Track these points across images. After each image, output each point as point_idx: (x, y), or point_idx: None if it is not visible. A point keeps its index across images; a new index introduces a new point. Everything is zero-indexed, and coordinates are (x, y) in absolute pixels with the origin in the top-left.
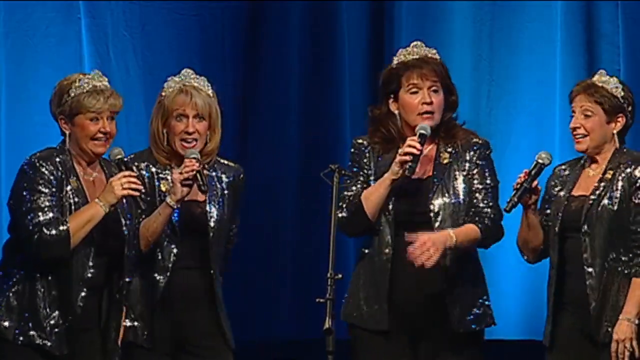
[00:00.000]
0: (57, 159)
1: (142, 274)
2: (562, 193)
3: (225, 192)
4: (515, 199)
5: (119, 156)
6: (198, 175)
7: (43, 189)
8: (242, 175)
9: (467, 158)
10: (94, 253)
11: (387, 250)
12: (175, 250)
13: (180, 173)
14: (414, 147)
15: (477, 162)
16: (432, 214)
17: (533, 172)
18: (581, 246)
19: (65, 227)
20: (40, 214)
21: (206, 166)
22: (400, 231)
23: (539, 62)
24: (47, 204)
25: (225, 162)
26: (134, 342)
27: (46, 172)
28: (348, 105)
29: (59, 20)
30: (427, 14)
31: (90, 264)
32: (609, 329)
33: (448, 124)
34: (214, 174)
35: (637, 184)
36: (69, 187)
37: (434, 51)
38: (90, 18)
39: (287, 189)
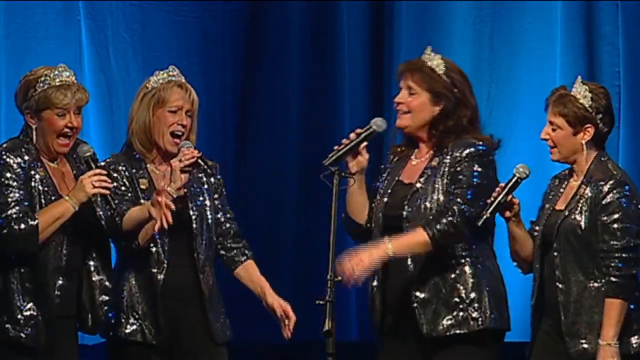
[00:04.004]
0: (23, 149)
1: (140, 271)
2: (547, 205)
3: (205, 186)
4: (488, 214)
5: (88, 153)
6: (200, 160)
7: (12, 182)
8: (217, 168)
9: (451, 157)
10: (67, 240)
11: None
12: (167, 245)
13: (180, 161)
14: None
15: (457, 164)
16: (403, 219)
17: (509, 186)
18: (551, 263)
19: (35, 222)
20: (8, 208)
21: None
22: (386, 235)
23: (539, 63)
24: (16, 197)
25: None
26: (142, 342)
27: (14, 164)
28: (348, 105)
29: (59, 22)
30: (427, 15)
31: (64, 252)
32: (584, 346)
33: (440, 131)
34: (194, 174)
35: (603, 202)
36: (37, 176)
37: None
38: (90, 20)
39: (287, 190)
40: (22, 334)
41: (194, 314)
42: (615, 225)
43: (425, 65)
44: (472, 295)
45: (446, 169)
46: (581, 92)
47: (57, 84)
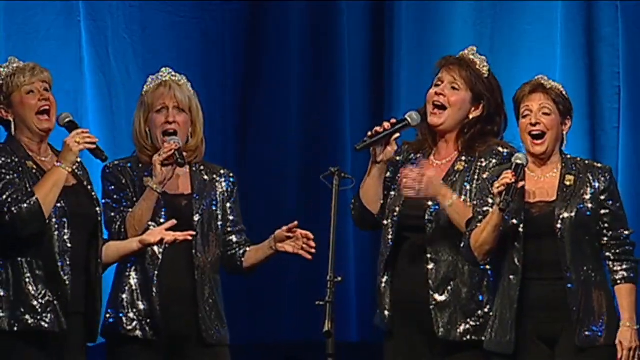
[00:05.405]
0: (9, 149)
1: (139, 269)
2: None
3: (217, 193)
4: (510, 197)
5: (68, 119)
6: (176, 153)
7: (2, 172)
8: (232, 180)
9: (481, 166)
10: (67, 222)
11: (388, 253)
12: (167, 245)
13: (159, 155)
14: None
15: (487, 172)
16: (426, 220)
17: (517, 174)
18: (553, 252)
19: (34, 198)
20: (3, 194)
21: (193, 162)
22: (400, 233)
23: (539, 64)
24: (9, 185)
25: (215, 166)
26: (142, 338)
27: (1, 159)
28: (348, 105)
29: (59, 23)
30: (427, 15)
31: (66, 232)
32: (587, 334)
33: (472, 134)
34: (205, 177)
35: (610, 190)
36: (27, 168)
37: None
38: (90, 21)
39: (287, 190)
40: (43, 322)
41: (187, 315)
42: (621, 213)
43: (473, 63)
44: (490, 304)
45: (476, 176)
46: (558, 86)
47: (14, 70)
